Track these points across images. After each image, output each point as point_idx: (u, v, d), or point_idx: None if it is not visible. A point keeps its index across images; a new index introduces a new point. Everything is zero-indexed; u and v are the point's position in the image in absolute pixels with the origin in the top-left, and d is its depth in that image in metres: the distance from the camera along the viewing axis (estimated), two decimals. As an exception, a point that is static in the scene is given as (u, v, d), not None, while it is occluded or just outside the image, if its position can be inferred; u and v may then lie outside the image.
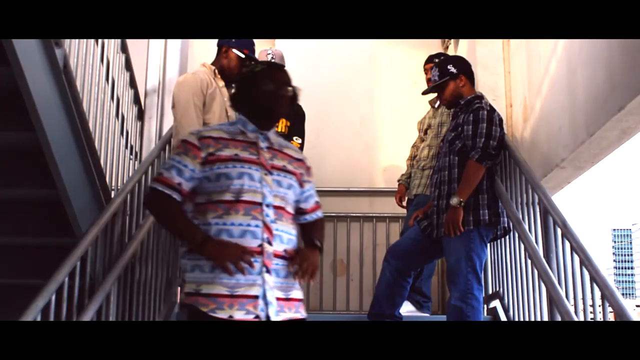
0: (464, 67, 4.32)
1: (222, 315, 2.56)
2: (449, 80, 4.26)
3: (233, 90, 2.94)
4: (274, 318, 2.60)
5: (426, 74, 5.33)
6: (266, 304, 2.61)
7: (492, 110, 4.16)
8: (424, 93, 4.63)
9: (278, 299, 2.65)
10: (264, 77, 2.80)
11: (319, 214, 3.00)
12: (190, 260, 2.67)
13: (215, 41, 4.46)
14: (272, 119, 2.87)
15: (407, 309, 4.87)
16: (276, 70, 2.87)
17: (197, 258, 2.65)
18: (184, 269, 2.71)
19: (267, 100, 2.79)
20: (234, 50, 4.36)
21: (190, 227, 2.67)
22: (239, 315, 2.57)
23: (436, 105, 5.26)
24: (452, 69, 4.26)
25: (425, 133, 5.30)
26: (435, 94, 4.65)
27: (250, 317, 2.58)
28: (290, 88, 2.82)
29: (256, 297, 2.60)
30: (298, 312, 2.72)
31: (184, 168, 2.68)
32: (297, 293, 2.75)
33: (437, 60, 4.85)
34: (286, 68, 2.93)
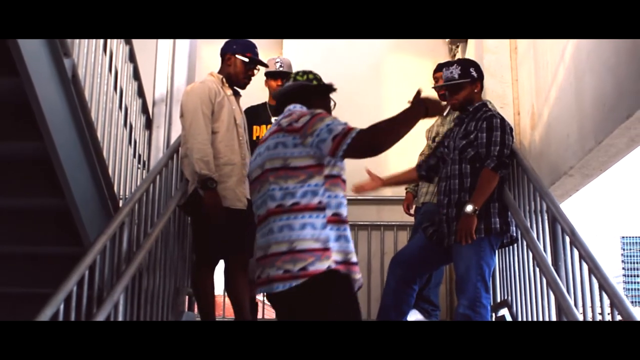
0: (482, 75, 4.32)
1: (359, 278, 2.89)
2: (468, 83, 4.23)
3: (308, 83, 3.16)
4: None
5: (436, 82, 5.31)
6: None
7: (503, 118, 4.15)
8: (436, 88, 4.62)
9: None
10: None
11: None
12: (333, 230, 2.83)
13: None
14: None
15: (415, 318, 4.86)
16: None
17: (341, 228, 2.86)
18: (326, 239, 2.79)
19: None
20: (238, 56, 4.38)
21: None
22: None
23: (444, 113, 5.23)
24: (474, 73, 4.23)
25: (434, 141, 5.28)
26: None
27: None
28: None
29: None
30: None
31: None
32: None
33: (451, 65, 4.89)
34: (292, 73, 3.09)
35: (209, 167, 4.06)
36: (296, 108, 3.05)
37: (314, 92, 3.17)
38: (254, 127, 5.01)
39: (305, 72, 3.20)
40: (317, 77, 3.20)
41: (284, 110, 3.08)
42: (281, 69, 5.09)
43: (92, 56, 4.07)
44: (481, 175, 4.00)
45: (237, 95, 4.50)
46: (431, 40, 6.89)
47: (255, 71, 4.50)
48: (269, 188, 2.89)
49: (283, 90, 3.15)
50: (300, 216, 2.83)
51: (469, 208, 3.93)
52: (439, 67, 5.33)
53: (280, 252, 2.80)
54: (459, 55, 6.63)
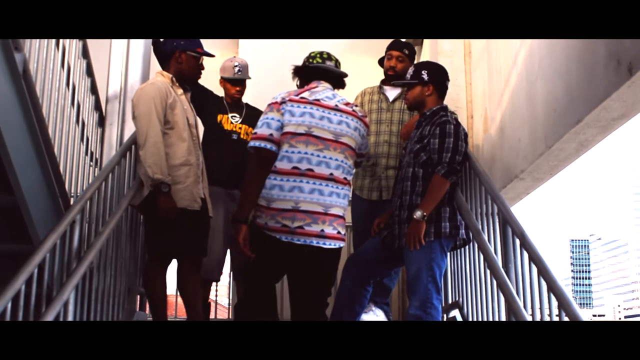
0: (437, 78, 4.29)
1: None
2: (417, 85, 4.28)
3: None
4: None
5: (389, 60, 5.19)
6: None
7: (458, 124, 4.15)
8: (394, 82, 4.69)
9: None
10: None
11: None
12: None
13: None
14: None
15: (368, 319, 4.87)
16: None
17: None
18: None
19: None
20: (189, 53, 4.34)
21: None
22: None
23: (391, 99, 5.13)
24: (424, 76, 4.25)
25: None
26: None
27: None
28: None
29: None
30: None
31: None
32: None
33: (407, 52, 5.13)
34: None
35: (162, 171, 4.00)
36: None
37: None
38: (218, 115, 5.08)
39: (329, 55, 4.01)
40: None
41: (323, 85, 3.88)
42: (239, 73, 5.10)
43: (44, 51, 4.00)
44: (432, 181, 4.03)
45: (186, 92, 4.45)
46: (387, 41, 6.93)
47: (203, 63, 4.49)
48: (342, 159, 3.63)
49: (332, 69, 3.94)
50: (349, 190, 3.68)
51: (418, 214, 3.96)
52: (397, 46, 5.20)
53: (338, 215, 3.58)
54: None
